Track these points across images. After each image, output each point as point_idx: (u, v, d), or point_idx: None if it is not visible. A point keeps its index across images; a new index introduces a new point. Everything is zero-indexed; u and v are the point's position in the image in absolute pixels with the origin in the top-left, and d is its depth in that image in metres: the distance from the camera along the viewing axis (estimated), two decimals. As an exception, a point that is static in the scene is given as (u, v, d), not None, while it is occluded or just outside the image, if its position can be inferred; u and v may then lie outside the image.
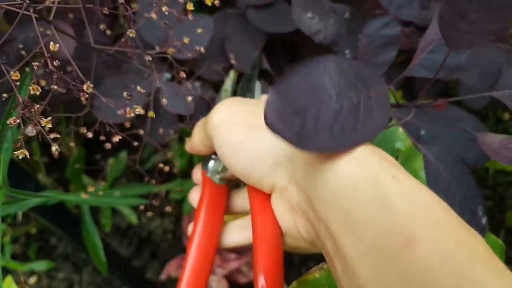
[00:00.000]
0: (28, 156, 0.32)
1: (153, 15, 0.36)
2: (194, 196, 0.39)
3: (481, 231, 0.35)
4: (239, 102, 0.32)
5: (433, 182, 0.35)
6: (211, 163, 0.38)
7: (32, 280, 0.79)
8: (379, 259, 0.21)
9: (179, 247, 0.84)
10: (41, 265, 0.77)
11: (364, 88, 0.26)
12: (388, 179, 0.22)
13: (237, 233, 0.35)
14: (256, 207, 0.31)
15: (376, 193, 0.22)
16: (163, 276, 0.75)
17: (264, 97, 0.41)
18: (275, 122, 0.23)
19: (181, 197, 0.80)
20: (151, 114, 0.39)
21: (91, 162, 0.88)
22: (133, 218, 0.81)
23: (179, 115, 0.47)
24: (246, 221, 0.35)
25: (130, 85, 0.42)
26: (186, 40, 0.39)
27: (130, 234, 0.84)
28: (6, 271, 0.78)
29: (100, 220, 0.76)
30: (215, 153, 0.36)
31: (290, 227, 0.29)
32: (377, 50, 0.40)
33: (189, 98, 0.41)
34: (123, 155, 0.69)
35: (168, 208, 0.62)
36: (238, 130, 0.29)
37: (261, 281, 0.27)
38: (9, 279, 0.68)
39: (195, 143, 0.37)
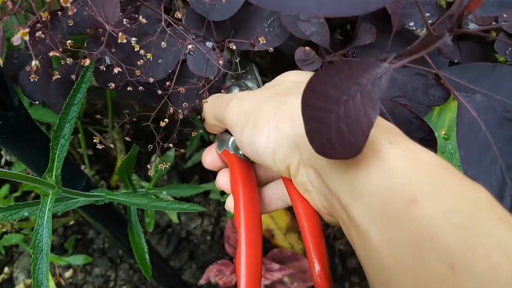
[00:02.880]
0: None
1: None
2: (222, 179, 0.39)
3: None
4: (247, 98, 0.34)
5: (465, 140, 0.29)
6: (231, 141, 0.38)
7: (68, 274, 0.77)
8: (387, 222, 0.21)
9: (217, 250, 0.81)
10: (78, 260, 0.75)
11: None
12: (385, 144, 0.23)
13: (278, 201, 0.37)
14: (292, 190, 0.33)
15: (375, 159, 0.23)
16: (202, 281, 0.72)
17: (267, 84, 0.40)
18: None
19: (225, 199, 0.77)
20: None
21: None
22: (173, 217, 0.79)
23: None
24: (280, 187, 0.37)
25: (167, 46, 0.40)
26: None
27: (168, 232, 0.82)
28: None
29: (142, 218, 0.74)
30: None
31: (313, 206, 0.31)
32: None
33: (220, 62, 0.39)
34: (171, 153, 0.66)
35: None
36: (248, 129, 0.31)
37: (317, 268, 0.31)
38: (47, 272, 0.66)
39: (211, 127, 0.39)
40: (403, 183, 0.21)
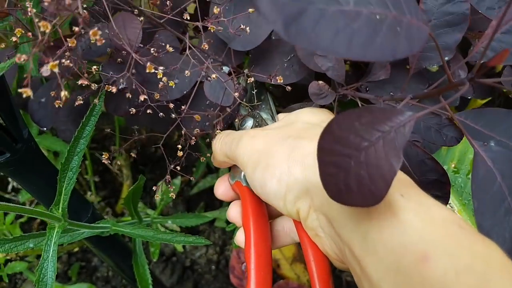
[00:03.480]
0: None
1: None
2: (233, 212, 0.39)
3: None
4: (258, 137, 0.34)
5: (479, 190, 0.28)
6: (243, 173, 0.37)
7: (71, 302, 0.76)
8: (399, 277, 0.21)
9: (222, 280, 0.79)
10: (81, 288, 0.74)
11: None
12: (397, 198, 0.23)
13: (286, 237, 0.37)
14: (302, 232, 0.32)
15: (388, 213, 0.23)
16: (206, 313, 0.70)
17: (281, 115, 0.40)
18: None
19: (230, 228, 0.76)
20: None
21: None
22: (178, 245, 0.78)
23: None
24: (287, 223, 0.37)
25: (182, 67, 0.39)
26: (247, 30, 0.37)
27: (173, 261, 0.80)
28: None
29: (146, 246, 0.73)
30: None
31: (322, 251, 0.31)
32: (438, 30, 0.34)
33: (236, 94, 0.38)
34: (177, 181, 0.66)
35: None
36: (259, 169, 0.31)
37: None
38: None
39: (220, 163, 0.39)
40: (415, 240, 0.21)
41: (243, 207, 0.37)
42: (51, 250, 0.36)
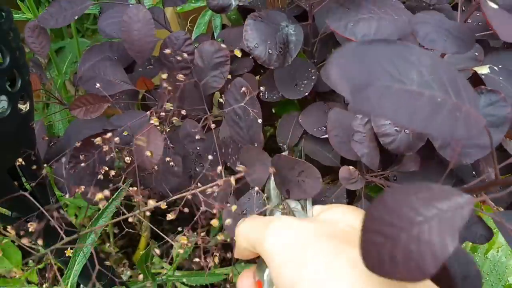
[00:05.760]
0: None
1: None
2: None
3: None
4: (295, 226, 0.30)
5: None
6: (266, 273, 0.33)
7: None
8: None
9: None
10: None
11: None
12: None
13: None
14: None
15: None
16: None
17: (317, 208, 0.38)
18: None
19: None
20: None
21: (156, 234, 0.86)
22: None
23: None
24: None
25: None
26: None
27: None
28: None
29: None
30: None
31: None
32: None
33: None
34: (193, 239, 0.65)
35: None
36: (289, 269, 0.27)
37: None
38: None
39: (241, 251, 0.35)
40: None
41: None
42: (60, 326, 0.36)
